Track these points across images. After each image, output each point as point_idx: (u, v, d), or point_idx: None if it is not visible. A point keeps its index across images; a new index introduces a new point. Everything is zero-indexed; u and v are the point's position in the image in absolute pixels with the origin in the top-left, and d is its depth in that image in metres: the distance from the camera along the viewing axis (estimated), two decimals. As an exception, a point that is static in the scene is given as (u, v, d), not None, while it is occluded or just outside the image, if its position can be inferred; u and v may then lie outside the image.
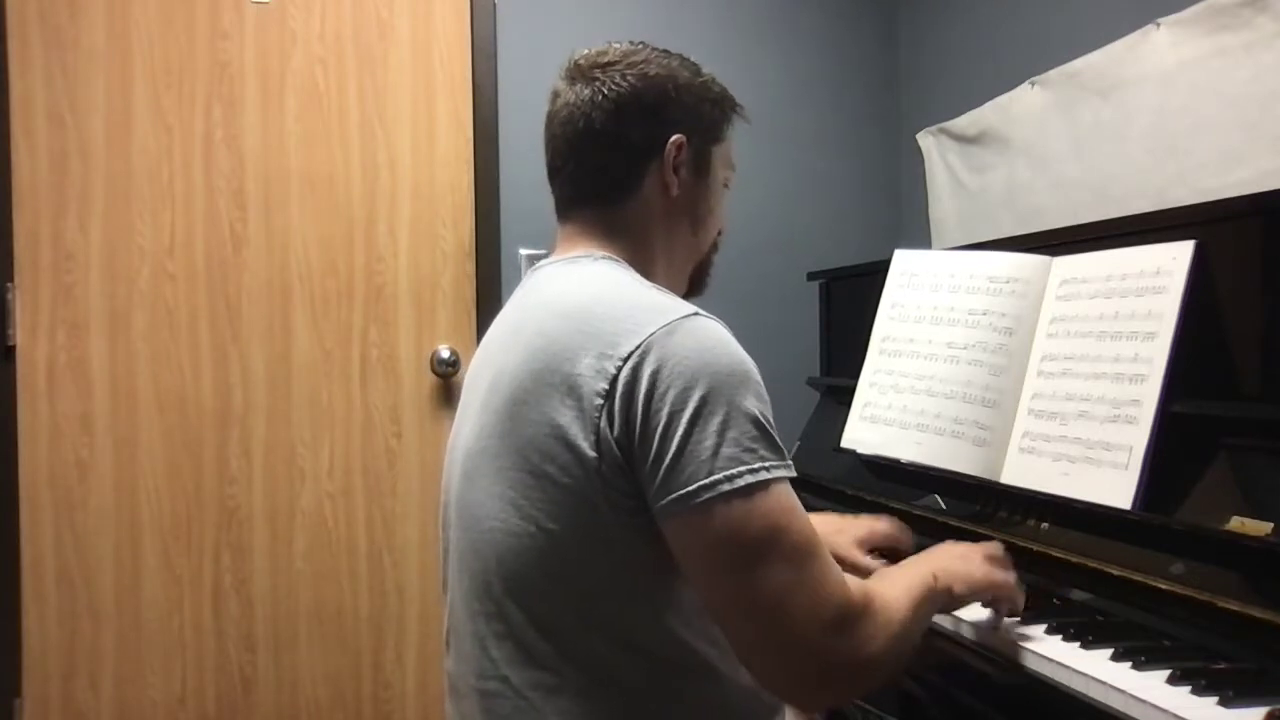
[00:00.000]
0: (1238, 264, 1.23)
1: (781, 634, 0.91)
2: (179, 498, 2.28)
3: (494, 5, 2.45)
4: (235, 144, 2.31)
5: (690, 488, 0.90)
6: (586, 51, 1.14)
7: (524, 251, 2.51)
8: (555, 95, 1.14)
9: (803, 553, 0.92)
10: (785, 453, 0.95)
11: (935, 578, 1.08)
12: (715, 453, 0.90)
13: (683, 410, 0.91)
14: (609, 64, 1.11)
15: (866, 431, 1.69)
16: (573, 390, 0.94)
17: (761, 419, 0.94)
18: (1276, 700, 0.92)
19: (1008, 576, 1.17)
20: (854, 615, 0.93)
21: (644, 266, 1.10)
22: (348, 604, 2.37)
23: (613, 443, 0.93)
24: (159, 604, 2.27)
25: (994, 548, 1.21)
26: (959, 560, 1.15)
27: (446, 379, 2.40)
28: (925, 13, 2.73)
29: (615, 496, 0.94)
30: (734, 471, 0.90)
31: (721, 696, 1.01)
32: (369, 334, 2.38)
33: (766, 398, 0.96)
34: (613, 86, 1.09)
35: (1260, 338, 1.20)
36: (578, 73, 1.12)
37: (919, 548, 1.44)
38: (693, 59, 1.16)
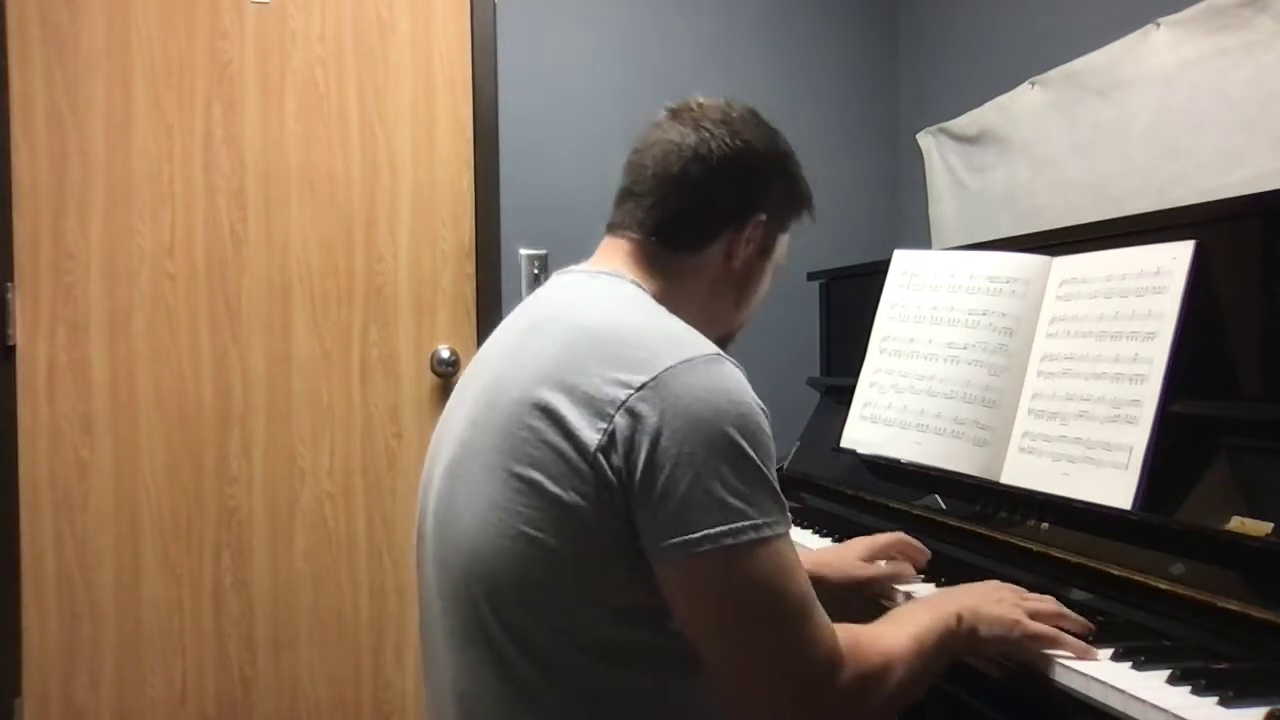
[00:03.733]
0: (1238, 264, 1.23)
1: (766, 686, 0.92)
2: (179, 498, 2.28)
3: (494, 5, 2.45)
4: (235, 144, 2.31)
5: (691, 536, 0.89)
6: (704, 99, 1.13)
7: (524, 251, 2.51)
8: (655, 125, 1.14)
9: (798, 611, 0.92)
10: (786, 508, 0.95)
11: (959, 618, 1.05)
12: (722, 504, 0.89)
13: (690, 456, 0.89)
14: (722, 120, 1.11)
15: (866, 431, 1.69)
16: (578, 406, 0.93)
17: (767, 474, 0.93)
18: (1276, 700, 0.92)
19: (1041, 629, 1.08)
20: (842, 671, 0.93)
21: (674, 312, 1.07)
22: (348, 604, 2.37)
23: (609, 469, 0.91)
24: (159, 604, 2.27)
25: (1047, 603, 1.12)
26: (992, 602, 1.11)
27: (446, 379, 2.40)
28: (925, 13, 2.73)
29: (603, 515, 0.92)
30: (738, 526, 0.89)
31: (698, 704, 1.00)
32: (369, 334, 2.38)
33: (774, 451, 0.96)
34: (721, 145, 1.09)
35: (1260, 338, 1.20)
36: (687, 115, 1.12)
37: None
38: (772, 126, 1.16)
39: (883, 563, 1.40)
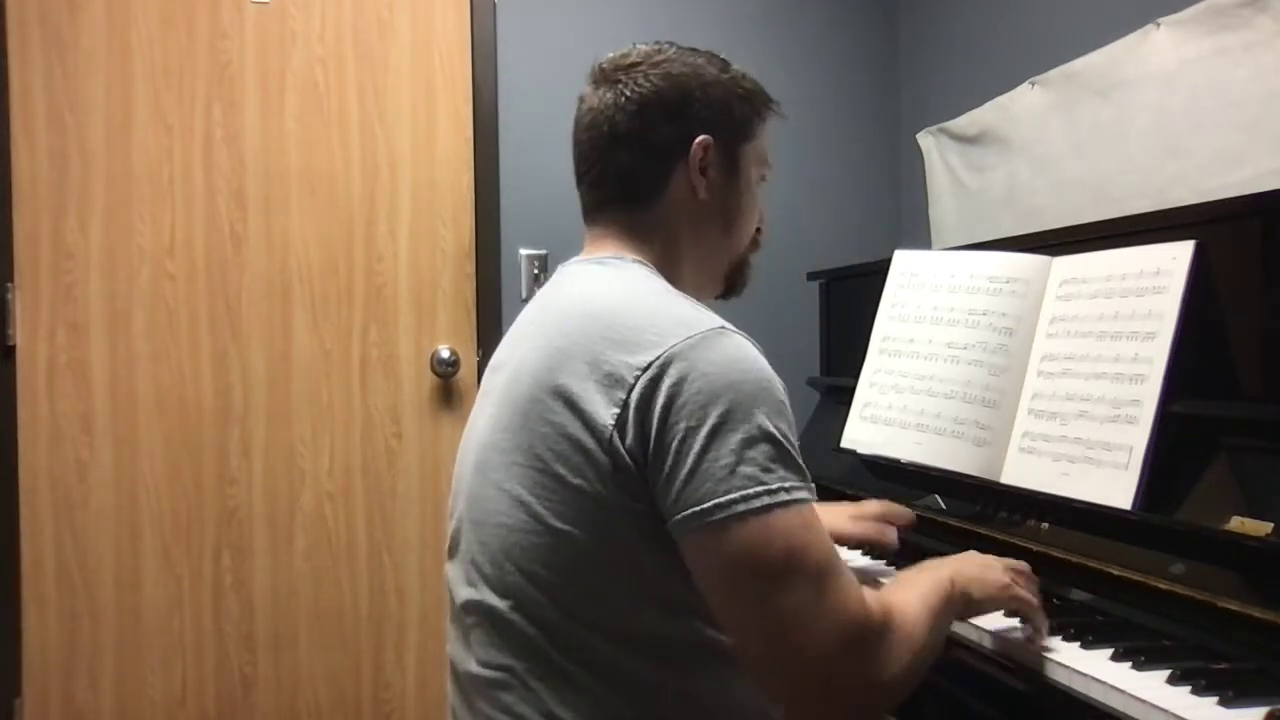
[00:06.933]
0: (1238, 264, 1.23)
1: (796, 653, 0.89)
2: (179, 498, 2.28)
3: (494, 5, 2.45)
4: (235, 144, 2.31)
5: (705, 505, 0.89)
6: (611, 55, 1.12)
7: (524, 251, 2.51)
8: (581, 101, 1.12)
9: (821, 573, 0.90)
10: (807, 474, 0.93)
11: (952, 583, 1.06)
12: (732, 471, 0.89)
13: (701, 425, 0.90)
14: (631, 65, 1.09)
15: (866, 431, 1.69)
16: (591, 392, 0.94)
17: (782, 439, 0.92)
18: (1276, 700, 0.92)
19: (1028, 595, 1.12)
20: (873, 636, 0.91)
21: (671, 269, 1.09)
22: (348, 604, 2.37)
23: (624, 451, 0.92)
24: (159, 604, 2.27)
25: (1020, 565, 1.17)
26: (979, 566, 1.13)
27: (446, 379, 2.40)
28: (925, 13, 2.73)
29: (626, 501, 0.93)
30: (751, 491, 0.89)
31: (730, 697, 1.00)
32: (369, 334, 2.38)
33: (791, 418, 0.94)
34: (634, 88, 1.07)
35: (1260, 338, 1.20)
36: (601, 76, 1.11)
37: (918, 547, 1.45)
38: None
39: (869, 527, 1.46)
